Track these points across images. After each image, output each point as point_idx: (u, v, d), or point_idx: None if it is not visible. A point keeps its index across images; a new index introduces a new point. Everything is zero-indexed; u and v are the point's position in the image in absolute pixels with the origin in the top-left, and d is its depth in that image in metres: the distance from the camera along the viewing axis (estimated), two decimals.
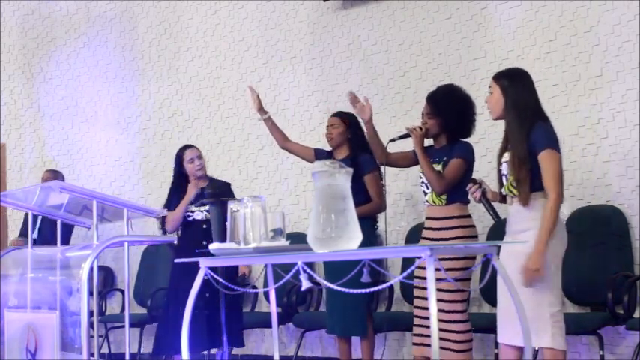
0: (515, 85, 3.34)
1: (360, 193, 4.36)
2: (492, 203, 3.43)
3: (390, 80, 5.65)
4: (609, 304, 4.13)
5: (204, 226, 4.73)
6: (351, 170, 2.57)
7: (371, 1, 5.79)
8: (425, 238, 4.00)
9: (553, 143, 3.28)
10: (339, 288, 2.59)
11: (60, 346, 3.33)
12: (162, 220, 4.89)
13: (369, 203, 4.45)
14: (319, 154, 4.65)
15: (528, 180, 3.23)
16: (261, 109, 4.61)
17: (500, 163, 3.42)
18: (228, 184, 4.99)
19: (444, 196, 3.91)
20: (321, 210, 2.51)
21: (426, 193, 4.00)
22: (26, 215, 6.55)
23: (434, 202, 3.95)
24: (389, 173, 5.08)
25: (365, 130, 4.19)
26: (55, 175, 6.53)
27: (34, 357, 3.47)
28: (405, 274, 2.44)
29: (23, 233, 6.52)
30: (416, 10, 5.57)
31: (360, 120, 4.20)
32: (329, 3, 5.95)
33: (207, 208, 4.71)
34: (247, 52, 6.43)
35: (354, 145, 4.55)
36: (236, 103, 6.45)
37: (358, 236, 2.52)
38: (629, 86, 4.60)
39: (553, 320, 3.22)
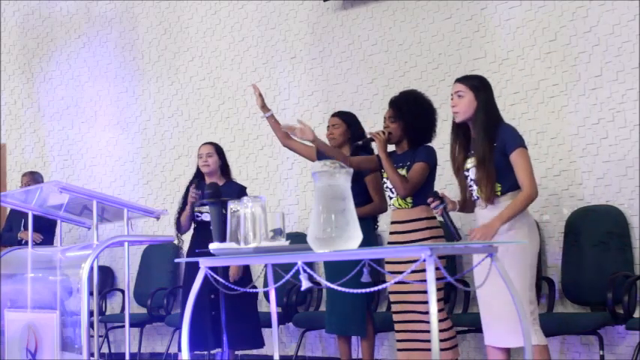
0: (486, 91, 3.47)
1: (362, 194, 4.37)
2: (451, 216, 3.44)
3: (390, 80, 5.65)
4: (609, 304, 4.13)
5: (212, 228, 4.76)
6: (351, 170, 2.57)
7: (371, 1, 5.79)
8: (392, 243, 4.01)
9: (522, 141, 3.40)
10: (339, 288, 2.59)
11: (60, 346, 3.33)
12: (177, 222, 4.94)
13: (370, 204, 4.46)
14: (321, 154, 4.65)
15: (493, 179, 3.34)
16: (264, 107, 4.63)
17: (465, 170, 3.47)
18: (243, 188, 4.97)
19: (409, 199, 3.95)
20: (321, 210, 2.51)
21: (390, 197, 4.05)
22: (10, 212, 6.55)
23: (400, 206, 3.99)
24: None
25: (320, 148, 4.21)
26: (32, 176, 6.51)
27: (34, 357, 3.47)
28: (405, 274, 2.44)
29: (7, 229, 6.51)
30: (416, 10, 5.57)
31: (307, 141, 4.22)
32: (329, 3, 5.95)
33: None
34: (247, 52, 6.43)
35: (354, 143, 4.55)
36: (236, 103, 6.45)
37: (358, 236, 2.52)
38: (629, 86, 4.60)
39: (533, 318, 3.32)
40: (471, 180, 3.46)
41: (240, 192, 4.84)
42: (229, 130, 6.47)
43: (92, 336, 3.36)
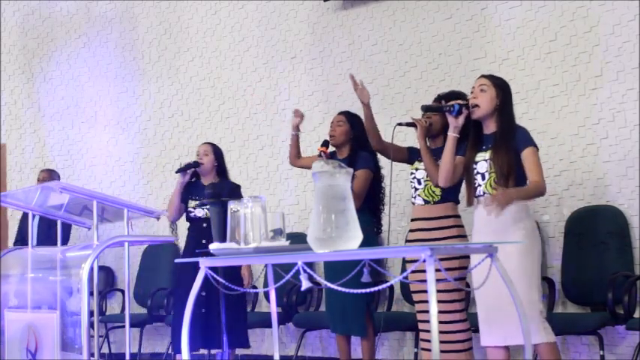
0: (507, 91, 3.56)
1: None
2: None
3: (390, 80, 5.65)
4: (609, 304, 4.13)
5: (204, 225, 4.76)
6: (351, 170, 2.58)
7: (371, 1, 5.79)
8: (413, 241, 4.00)
9: (534, 142, 3.46)
10: (339, 288, 2.59)
11: (60, 346, 3.33)
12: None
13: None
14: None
15: (512, 171, 3.38)
16: (296, 127, 4.66)
17: (474, 163, 3.47)
18: (237, 186, 4.98)
19: (438, 192, 3.93)
20: (321, 210, 2.51)
21: (416, 189, 4.02)
22: (22, 217, 6.52)
23: (426, 196, 3.97)
24: (389, 173, 5.08)
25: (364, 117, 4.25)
26: (50, 174, 6.51)
27: (34, 357, 3.47)
28: (405, 274, 2.45)
29: (19, 239, 6.46)
30: (416, 10, 5.56)
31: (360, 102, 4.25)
32: (329, 3, 5.95)
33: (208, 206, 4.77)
34: (247, 52, 6.43)
35: (355, 144, 4.55)
36: (236, 103, 6.45)
37: (358, 236, 2.52)
38: (629, 86, 4.60)
39: (542, 316, 3.35)
40: (478, 174, 3.46)
41: (232, 189, 4.87)
42: (229, 130, 6.46)
43: (92, 336, 3.36)
